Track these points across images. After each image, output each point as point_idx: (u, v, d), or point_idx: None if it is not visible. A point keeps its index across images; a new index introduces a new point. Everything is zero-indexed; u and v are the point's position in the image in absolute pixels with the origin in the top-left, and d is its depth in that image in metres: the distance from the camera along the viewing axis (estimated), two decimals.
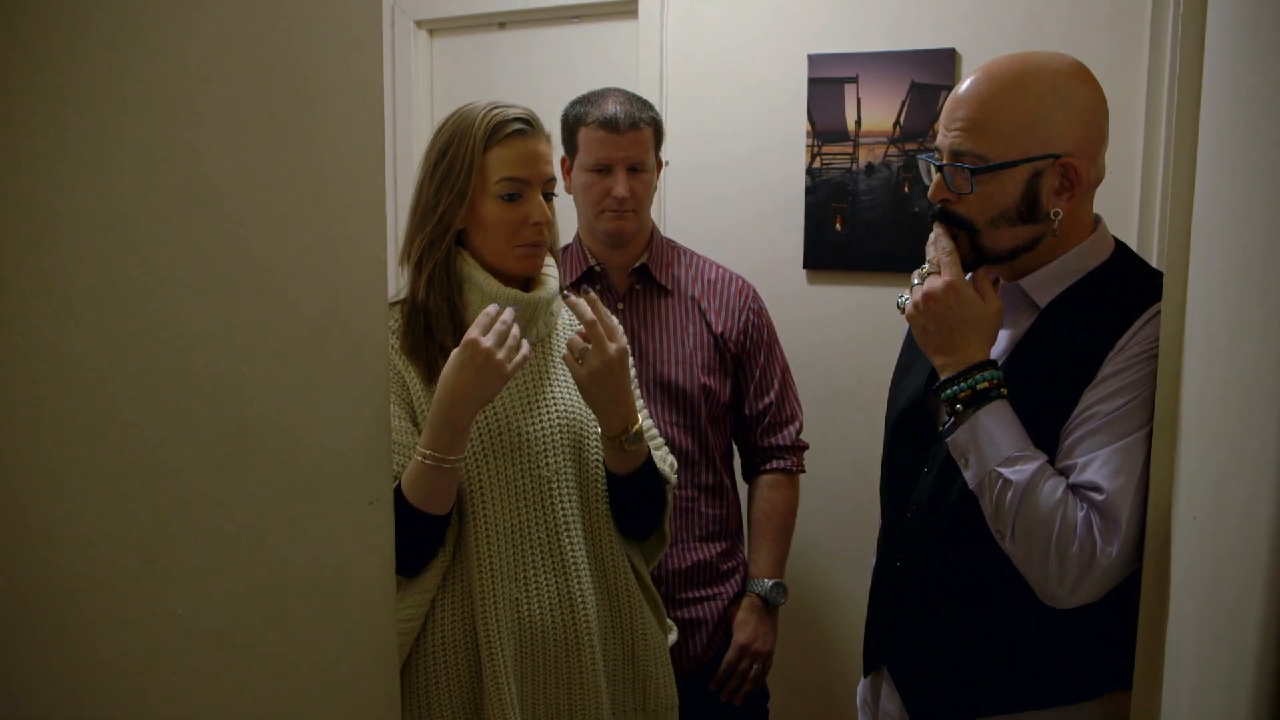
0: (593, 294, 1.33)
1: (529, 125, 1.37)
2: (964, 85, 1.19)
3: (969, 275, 1.22)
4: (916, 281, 1.23)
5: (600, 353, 1.30)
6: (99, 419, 0.67)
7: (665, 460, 1.49)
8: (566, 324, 1.49)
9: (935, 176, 1.22)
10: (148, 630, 0.71)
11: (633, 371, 1.49)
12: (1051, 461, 1.14)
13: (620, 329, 1.35)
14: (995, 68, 1.18)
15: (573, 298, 1.32)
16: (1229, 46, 0.87)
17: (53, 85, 0.63)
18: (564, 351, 1.34)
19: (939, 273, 1.20)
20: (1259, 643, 0.69)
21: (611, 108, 1.74)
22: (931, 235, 1.24)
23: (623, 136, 1.73)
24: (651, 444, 1.45)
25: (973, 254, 1.22)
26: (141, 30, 0.69)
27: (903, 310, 1.25)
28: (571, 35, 2.54)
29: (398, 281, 1.45)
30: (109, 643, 0.69)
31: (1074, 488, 1.11)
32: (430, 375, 1.34)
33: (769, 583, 1.84)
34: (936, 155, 1.23)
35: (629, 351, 1.36)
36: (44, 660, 0.65)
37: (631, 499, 1.43)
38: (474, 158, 1.35)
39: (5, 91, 0.61)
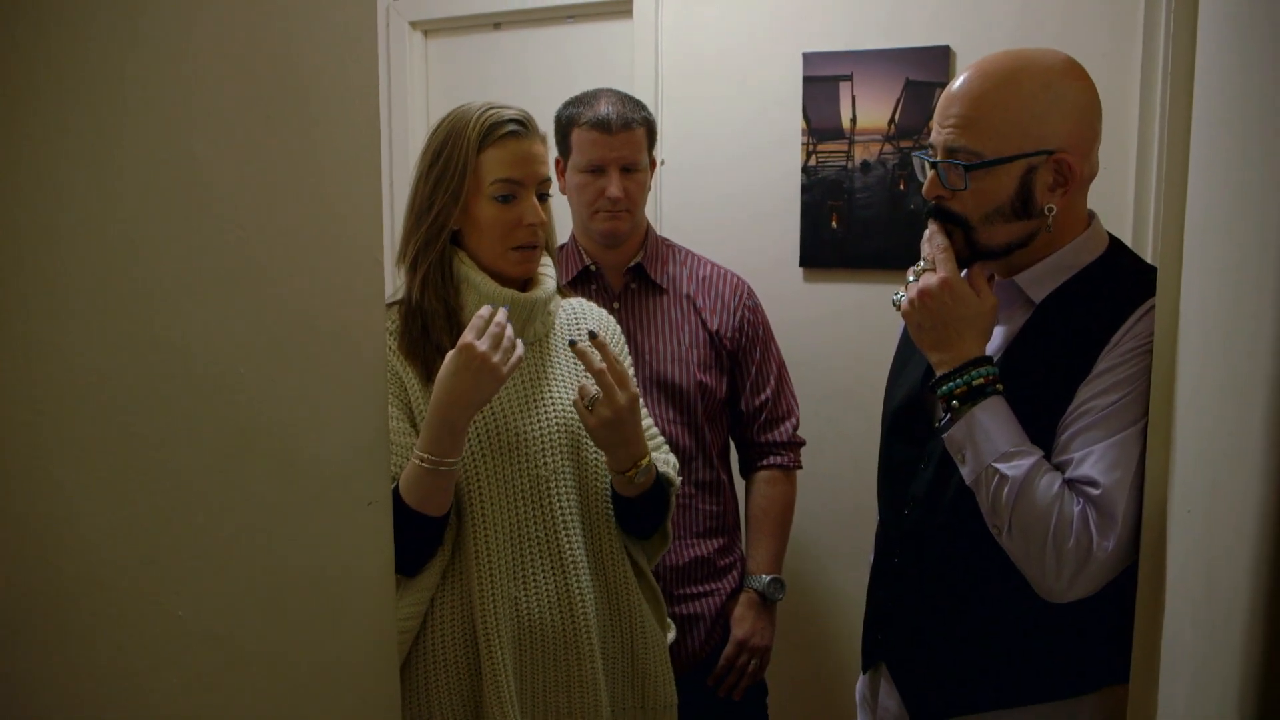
0: (600, 338, 1.31)
1: (523, 126, 1.37)
2: (958, 82, 1.20)
3: (964, 272, 1.22)
4: (911, 279, 1.23)
5: (611, 403, 1.29)
6: (98, 421, 0.67)
7: (668, 462, 1.49)
8: (564, 323, 1.49)
9: (929, 173, 1.23)
10: (148, 630, 0.71)
11: (631, 371, 1.49)
12: (1048, 457, 1.15)
13: (630, 375, 1.35)
14: (989, 64, 1.18)
15: (580, 346, 1.31)
16: (1221, 42, 0.87)
17: (50, 89, 0.63)
18: (574, 398, 1.34)
19: (934, 269, 1.20)
20: (1246, 636, 0.69)
21: (604, 108, 1.74)
22: (926, 232, 1.25)
23: (615, 137, 1.73)
24: (652, 443, 1.45)
25: (967, 250, 1.22)
26: (138, 34, 0.69)
27: (898, 307, 1.25)
28: (566, 35, 2.55)
29: (394, 282, 1.45)
30: (109, 643, 0.69)
31: (1070, 482, 1.12)
32: (428, 375, 1.34)
33: (766, 578, 1.85)
34: (930, 152, 1.23)
35: (639, 397, 1.36)
36: (44, 660, 0.65)
37: (636, 511, 1.43)
38: (468, 159, 1.35)
39: (3, 94, 0.61)
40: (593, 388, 1.31)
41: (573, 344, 1.32)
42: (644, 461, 1.36)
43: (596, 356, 1.30)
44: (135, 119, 0.68)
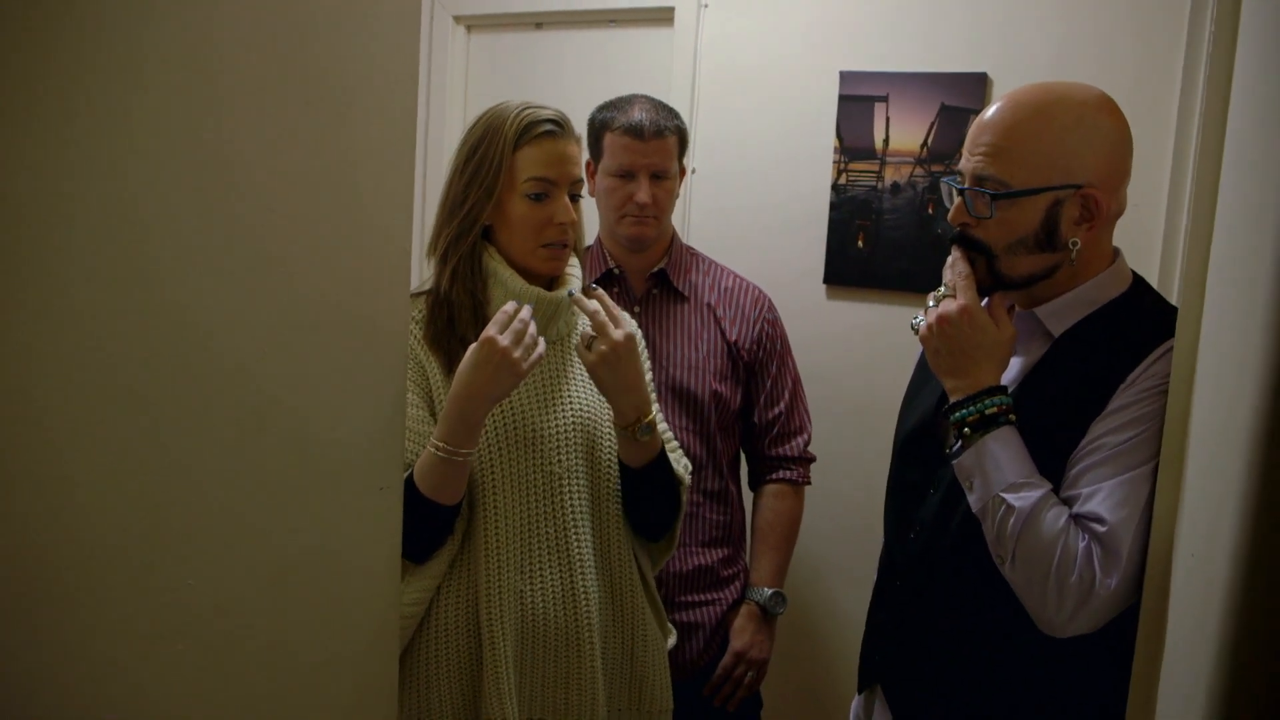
0: (599, 289, 1.36)
1: (559, 127, 1.39)
2: (990, 111, 1.20)
3: (985, 300, 1.22)
4: (931, 304, 1.23)
5: (606, 338, 1.32)
6: (117, 400, 0.67)
7: (679, 462, 1.50)
8: (586, 324, 1.50)
9: (956, 200, 1.23)
10: (156, 602, 0.72)
11: (649, 376, 1.50)
12: (1056, 490, 1.15)
13: (627, 318, 1.38)
14: (1022, 95, 1.18)
15: (577, 295, 1.35)
16: (1257, 86, 0.87)
17: (69, 69, 0.63)
18: (576, 342, 1.36)
19: (954, 296, 1.21)
20: (1211, 680, 0.68)
21: (637, 115, 1.75)
22: (949, 258, 1.25)
23: (647, 144, 1.74)
24: (666, 445, 1.46)
25: (989, 279, 1.22)
26: (169, 15, 0.69)
27: (916, 331, 1.25)
28: (607, 39, 2.56)
29: (422, 273, 1.47)
30: (118, 614, 0.69)
31: (1077, 518, 1.11)
32: (450, 366, 1.35)
33: (768, 591, 1.85)
34: (959, 179, 1.23)
35: (638, 339, 1.38)
36: (54, 627, 0.66)
37: (645, 496, 1.44)
38: (503, 156, 1.36)
39: (32, 74, 0.61)
40: (590, 332, 1.34)
41: (570, 294, 1.36)
42: (647, 418, 1.37)
43: (590, 301, 1.34)
44: (165, 100, 0.68)
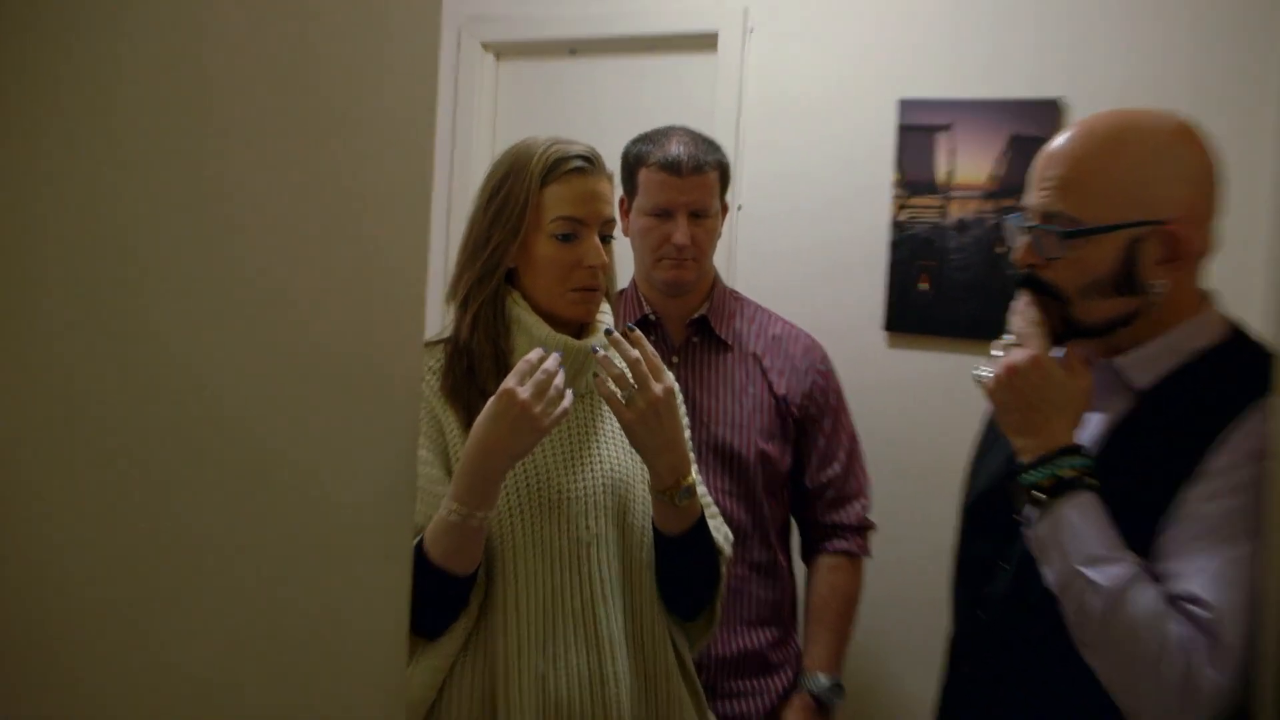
0: (637, 331, 1.34)
1: (589, 163, 1.41)
2: (1058, 141, 1.20)
3: (1059, 350, 1.21)
4: (997, 353, 1.23)
5: (646, 393, 1.31)
6: (102, 451, 0.68)
7: (719, 530, 1.49)
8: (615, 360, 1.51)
9: (1023, 239, 1.23)
10: (139, 678, 0.73)
11: (687, 434, 1.50)
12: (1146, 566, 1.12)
13: (666, 369, 1.37)
14: (1093, 123, 1.19)
15: (615, 335, 1.34)
16: None
17: (66, 107, 0.65)
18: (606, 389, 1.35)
19: (1021, 345, 1.20)
20: None
21: (675, 148, 1.77)
22: (1016, 303, 1.24)
23: (685, 180, 1.76)
24: (706, 512, 1.46)
25: (1062, 326, 1.21)
26: (148, 25, 0.70)
27: (981, 384, 1.24)
28: (645, 66, 2.61)
29: (443, 320, 1.49)
30: (101, 683, 0.71)
31: (1173, 599, 1.08)
32: (469, 420, 1.35)
33: (825, 680, 1.81)
34: (1025, 215, 1.23)
35: (677, 391, 1.37)
36: (38, 696, 0.67)
37: (681, 567, 1.43)
38: (530, 194, 1.38)
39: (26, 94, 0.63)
40: (628, 374, 1.32)
41: (608, 332, 1.35)
42: (686, 481, 1.36)
43: (631, 347, 1.32)
44: (173, 130, 0.70)
